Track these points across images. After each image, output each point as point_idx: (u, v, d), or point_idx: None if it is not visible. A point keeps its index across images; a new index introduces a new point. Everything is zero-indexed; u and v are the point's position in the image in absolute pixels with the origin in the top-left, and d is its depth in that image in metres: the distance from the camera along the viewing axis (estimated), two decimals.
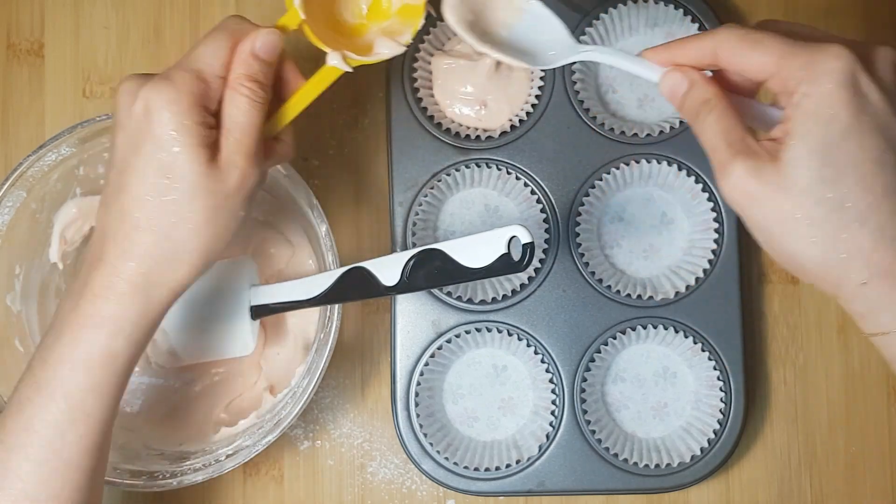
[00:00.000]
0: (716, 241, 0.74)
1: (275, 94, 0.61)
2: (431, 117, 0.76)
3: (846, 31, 0.77)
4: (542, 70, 0.75)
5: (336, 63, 0.61)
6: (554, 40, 0.60)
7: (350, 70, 0.61)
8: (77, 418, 0.56)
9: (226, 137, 0.57)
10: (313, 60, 0.62)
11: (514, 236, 0.57)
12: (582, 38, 0.75)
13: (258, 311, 0.71)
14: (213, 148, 0.56)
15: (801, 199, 0.45)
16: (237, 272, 0.73)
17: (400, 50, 0.63)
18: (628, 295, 0.74)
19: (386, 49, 0.63)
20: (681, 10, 0.74)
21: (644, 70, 0.55)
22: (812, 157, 0.45)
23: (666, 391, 0.75)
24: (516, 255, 0.57)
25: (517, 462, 0.73)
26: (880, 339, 0.47)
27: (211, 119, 0.57)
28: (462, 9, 0.62)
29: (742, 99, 0.52)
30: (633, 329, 0.74)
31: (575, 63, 0.74)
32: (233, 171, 0.56)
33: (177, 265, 0.56)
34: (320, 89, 0.62)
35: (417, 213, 0.75)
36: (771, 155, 0.46)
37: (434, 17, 0.64)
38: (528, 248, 0.57)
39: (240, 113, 0.57)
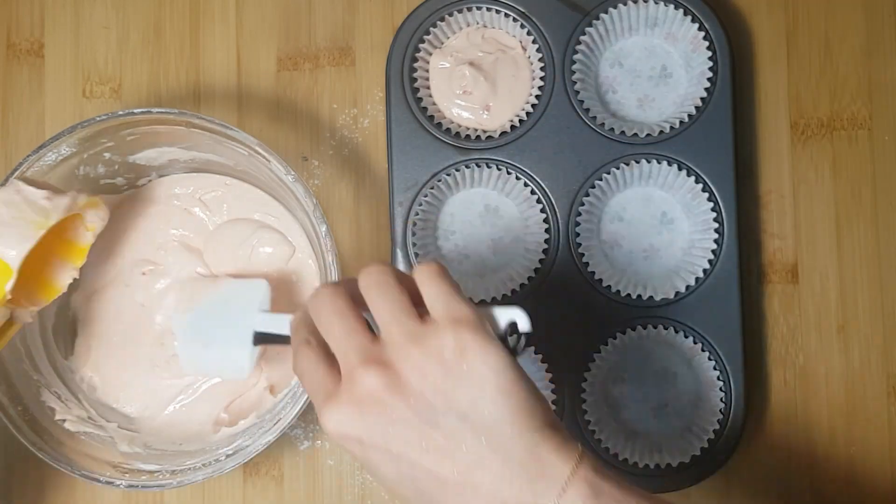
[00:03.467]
0: (716, 241, 0.74)
1: None
2: (431, 117, 0.76)
3: (847, 29, 0.77)
4: (542, 71, 0.75)
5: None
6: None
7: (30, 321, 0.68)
8: None
9: None
10: None
11: (513, 321, 0.55)
12: (582, 37, 0.75)
13: (261, 338, 0.67)
14: None
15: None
16: (249, 294, 0.70)
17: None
18: (628, 295, 0.74)
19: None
20: (681, 10, 0.74)
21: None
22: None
23: (666, 391, 0.75)
24: (511, 341, 0.55)
25: None
26: None
27: None
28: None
29: None
30: (633, 329, 0.74)
31: (575, 63, 0.75)
32: None
33: None
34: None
35: (417, 213, 0.75)
36: None
37: None
38: (524, 335, 0.55)
39: None
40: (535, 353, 0.74)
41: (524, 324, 0.54)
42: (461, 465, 0.50)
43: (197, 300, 0.73)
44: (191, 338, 0.70)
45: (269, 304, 0.71)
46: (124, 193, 0.76)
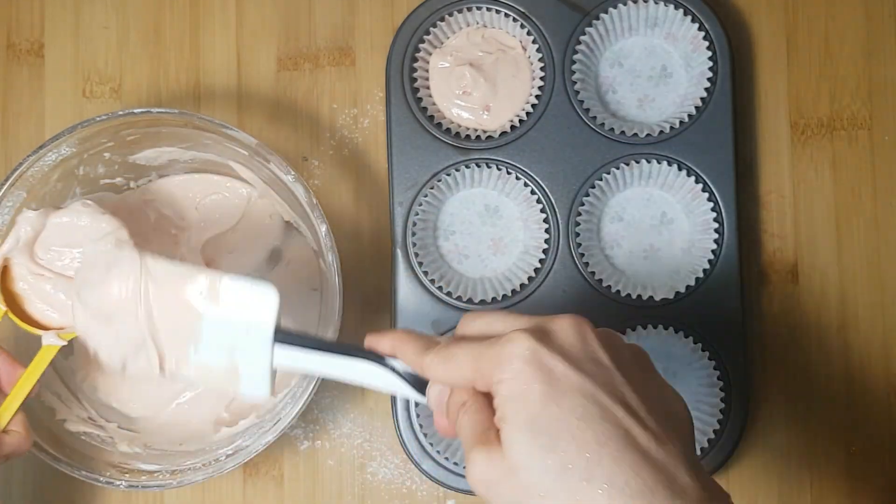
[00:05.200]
0: (716, 241, 0.74)
1: None
2: (431, 117, 0.76)
3: (847, 28, 0.77)
4: (542, 71, 0.75)
5: (52, 341, 0.65)
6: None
7: (66, 343, 0.65)
8: None
9: None
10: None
11: None
12: (582, 37, 0.75)
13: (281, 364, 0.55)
14: None
15: (529, 474, 0.46)
16: (255, 310, 0.56)
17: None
18: (628, 295, 0.74)
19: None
20: (681, 10, 0.74)
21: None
22: (522, 432, 0.46)
23: None
24: None
25: None
26: None
27: None
28: None
29: None
30: (633, 329, 0.74)
31: (575, 63, 0.75)
32: None
33: None
34: (41, 370, 0.64)
35: (417, 213, 0.75)
36: (500, 441, 0.48)
37: None
38: None
39: None
40: None
41: None
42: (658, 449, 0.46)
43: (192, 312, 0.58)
44: (213, 346, 0.57)
45: (279, 320, 0.56)
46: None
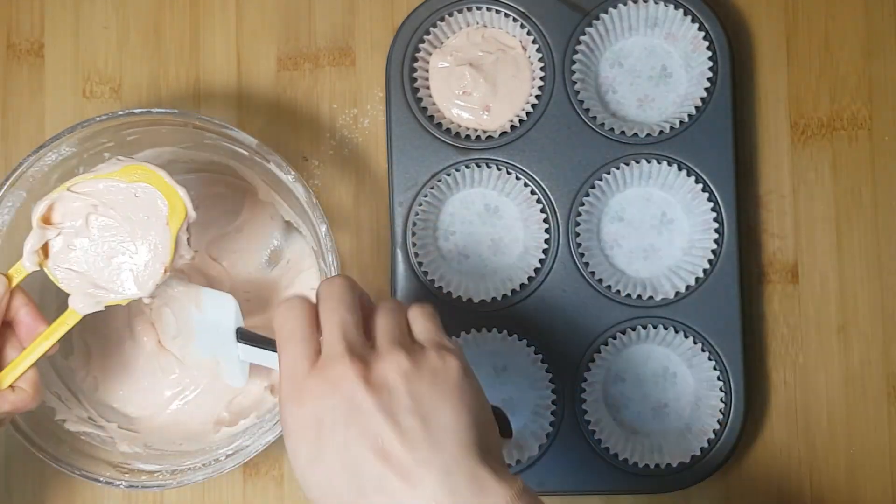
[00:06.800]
0: (716, 241, 0.74)
1: (13, 336, 0.63)
2: (431, 117, 0.76)
3: (847, 29, 0.77)
4: (542, 71, 0.75)
5: (79, 307, 0.63)
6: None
7: (102, 308, 0.64)
8: None
9: None
10: None
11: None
12: (582, 37, 0.75)
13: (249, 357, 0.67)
14: None
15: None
16: (221, 314, 0.68)
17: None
18: (628, 295, 0.74)
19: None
20: (681, 10, 0.74)
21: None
22: (300, 483, 0.54)
23: (666, 391, 0.75)
24: None
25: (517, 462, 0.73)
26: None
27: None
28: None
29: None
30: (633, 329, 0.74)
31: (575, 63, 0.75)
32: None
33: None
34: (62, 331, 0.63)
35: (417, 213, 0.75)
36: None
37: None
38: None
39: None
40: (535, 353, 0.74)
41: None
42: (407, 462, 0.50)
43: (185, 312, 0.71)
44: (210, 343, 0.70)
45: (241, 320, 0.68)
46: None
